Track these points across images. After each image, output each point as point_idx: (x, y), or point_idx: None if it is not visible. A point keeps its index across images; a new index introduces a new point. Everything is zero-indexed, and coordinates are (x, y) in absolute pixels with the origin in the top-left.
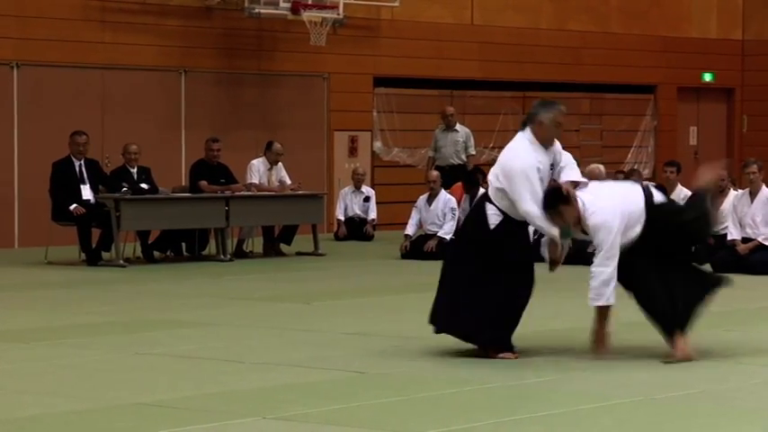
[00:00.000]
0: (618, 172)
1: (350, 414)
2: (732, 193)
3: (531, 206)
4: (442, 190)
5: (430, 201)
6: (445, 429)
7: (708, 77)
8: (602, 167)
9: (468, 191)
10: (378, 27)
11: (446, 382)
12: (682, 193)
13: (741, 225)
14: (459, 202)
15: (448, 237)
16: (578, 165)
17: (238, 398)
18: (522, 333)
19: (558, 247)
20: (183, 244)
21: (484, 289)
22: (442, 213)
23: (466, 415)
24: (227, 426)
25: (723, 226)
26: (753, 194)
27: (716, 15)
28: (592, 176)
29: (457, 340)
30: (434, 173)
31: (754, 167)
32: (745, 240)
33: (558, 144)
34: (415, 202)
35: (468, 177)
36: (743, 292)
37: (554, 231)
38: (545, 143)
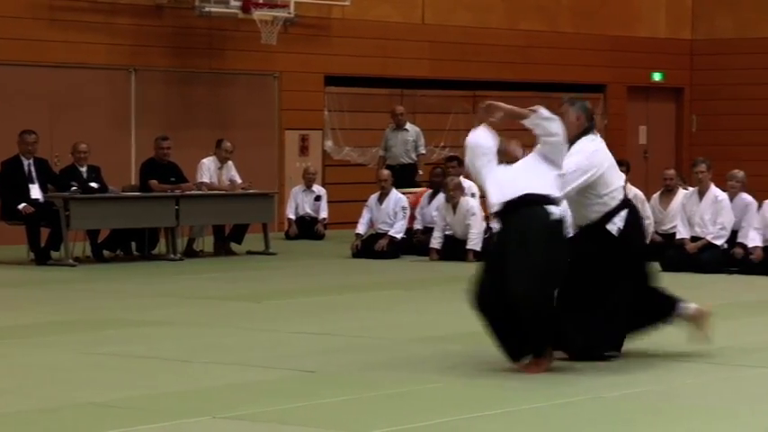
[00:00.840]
0: None
1: (301, 413)
2: (681, 192)
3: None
4: (393, 189)
5: (381, 200)
6: (399, 428)
7: (657, 77)
8: None
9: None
10: (329, 26)
11: (398, 381)
12: (631, 192)
13: (690, 224)
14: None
15: (399, 236)
16: None
17: (189, 397)
18: (475, 330)
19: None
20: (133, 243)
21: None
22: (393, 212)
23: (419, 413)
24: (177, 425)
25: (672, 225)
26: (701, 194)
27: (665, 15)
28: None
29: (414, 339)
30: (385, 172)
31: (703, 167)
32: (694, 239)
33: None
34: (366, 201)
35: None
36: (691, 291)
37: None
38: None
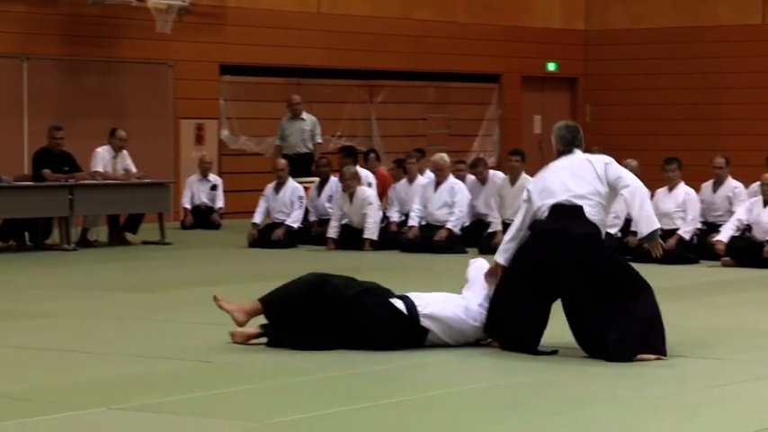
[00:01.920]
0: (459, 161)
1: (197, 403)
2: None
3: None
4: (290, 178)
5: (278, 189)
6: (297, 417)
7: (551, 67)
8: (446, 156)
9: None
10: (224, 14)
11: (296, 370)
12: (527, 182)
13: None
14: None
15: (295, 225)
16: (425, 155)
17: (84, 389)
18: None
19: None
20: (27, 233)
21: None
22: (289, 202)
23: (315, 403)
24: (71, 417)
25: None
26: None
27: (559, 5)
28: (436, 166)
29: None
30: (282, 161)
31: None
32: None
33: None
34: (263, 190)
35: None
36: None
37: None
38: None
